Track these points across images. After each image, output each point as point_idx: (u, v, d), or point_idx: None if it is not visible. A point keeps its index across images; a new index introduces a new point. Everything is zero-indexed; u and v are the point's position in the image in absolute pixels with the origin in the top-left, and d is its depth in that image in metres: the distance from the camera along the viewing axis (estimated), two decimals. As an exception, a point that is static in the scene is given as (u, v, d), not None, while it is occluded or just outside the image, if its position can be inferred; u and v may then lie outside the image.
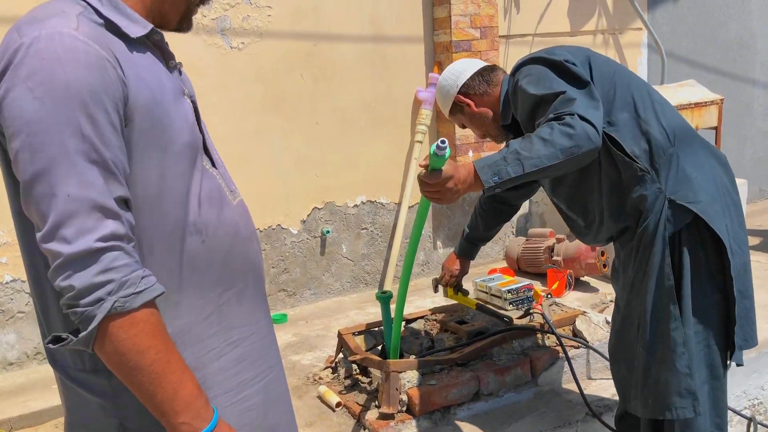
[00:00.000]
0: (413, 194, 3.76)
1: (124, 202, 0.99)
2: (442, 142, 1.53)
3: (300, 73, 3.44)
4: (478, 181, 1.62)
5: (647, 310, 1.77)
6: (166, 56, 1.14)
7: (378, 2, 3.61)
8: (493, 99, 2.03)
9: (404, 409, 2.32)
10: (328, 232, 3.60)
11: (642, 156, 1.77)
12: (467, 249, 2.54)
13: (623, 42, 4.53)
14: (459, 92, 2.06)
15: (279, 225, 3.51)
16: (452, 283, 2.56)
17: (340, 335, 2.68)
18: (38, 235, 0.95)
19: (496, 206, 2.41)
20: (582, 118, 1.65)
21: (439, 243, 4.00)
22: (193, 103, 1.18)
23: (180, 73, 1.18)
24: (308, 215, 3.57)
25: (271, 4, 3.30)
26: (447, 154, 1.55)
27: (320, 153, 3.56)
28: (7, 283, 2.95)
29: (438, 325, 2.77)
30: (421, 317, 2.84)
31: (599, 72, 1.84)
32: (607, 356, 2.58)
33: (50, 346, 1.02)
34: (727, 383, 1.86)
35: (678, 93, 4.05)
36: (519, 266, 3.90)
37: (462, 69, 2.08)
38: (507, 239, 4.19)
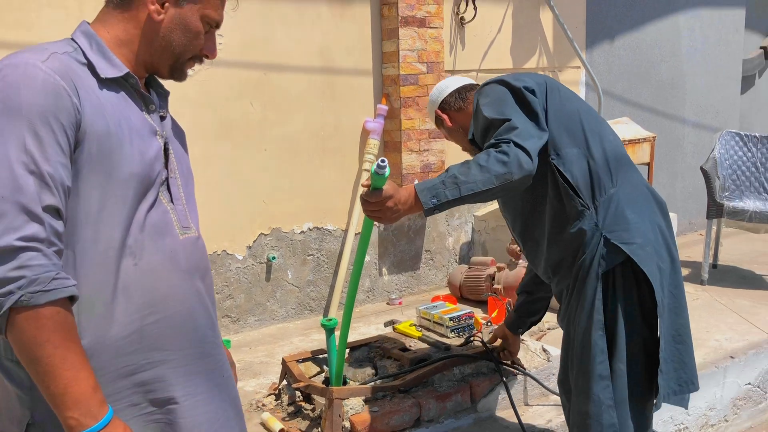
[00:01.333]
0: (360, 221, 3.83)
1: (56, 211, 1.12)
2: (382, 161, 1.62)
3: (249, 100, 3.48)
4: (418, 203, 1.72)
5: (578, 343, 1.87)
6: (145, 99, 1.31)
7: (328, 34, 3.69)
8: (467, 115, 2.14)
9: (348, 437, 2.36)
10: (273, 258, 3.63)
11: (585, 192, 1.87)
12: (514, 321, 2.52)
13: (563, 79, 4.73)
14: (438, 107, 2.21)
15: (224, 251, 3.51)
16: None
17: (284, 362, 2.70)
18: None
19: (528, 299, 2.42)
20: (517, 146, 1.76)
21: (384, 269, 4.07)
22: (166, 144, 1.32)
23: (162, 118, 1.36)
24: (254, 241, 3.59)
25: (222, 33, 3.34)
26: (387, 174, 1.65)
27: (268, 180, 3.59)
28: None
29: (381, 352, 2.82)
30: (365, 344, 2.89)
31: (556, 103, 1.94)
32: (542, 383, 2.69)
33: None
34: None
35: (613, 129, 4.25)
36: (461, 294, 3.99)
37: (445, 86, 2.22)
38: (450, 267, 4.29)
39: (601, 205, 1.86)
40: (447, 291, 4.11)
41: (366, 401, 2.45)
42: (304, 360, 2.75)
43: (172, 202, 1.32)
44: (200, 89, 3.31)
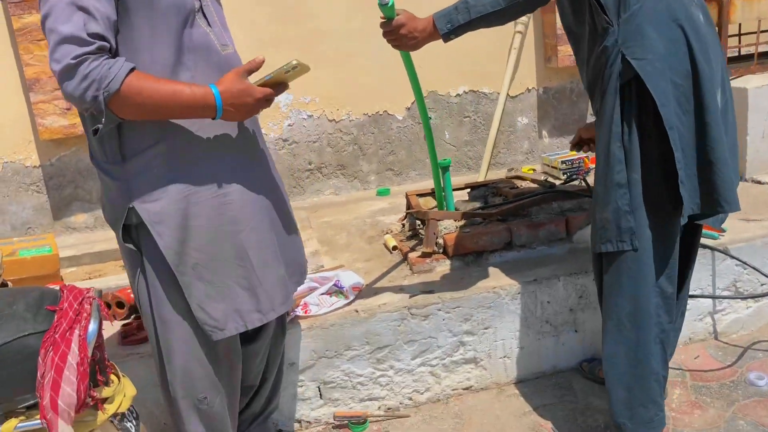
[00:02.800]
0: (513, 84, 4.00)
1: (100, 37, 1.45)
2: None
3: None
4: (436, 30, 1.96)
5: (601, 155, 1.98)
6: None
7: None
8: None
9: (440, 251, 2.73)
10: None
11: (612, 9, 1.93)
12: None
13: None
14: None
15: (386, 111, 3.97)
16: None
17: (407, 196, 3.12)
18: None
19: None
20: None
21: (544, 132, 4.19)
22: None
23: None
24: (412, 103, 3.98)
25: None
26: (391, 3, 1.92)
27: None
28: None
29: (495, 191, 3.08)
30: (484, 185, 3.17)
31: None
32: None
33: (93, 137, 1.60)
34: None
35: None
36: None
37: None
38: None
39: (623, 22, 1.89)
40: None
41: (463, 226, 2.77)
42: (424, 195, 3.13)
43: (209, 25, 1.65)
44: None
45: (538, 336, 2.57)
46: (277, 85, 1.63)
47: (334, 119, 3.92)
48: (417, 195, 3.11)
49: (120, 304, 2.42)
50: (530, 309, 2.53)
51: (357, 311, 2.42)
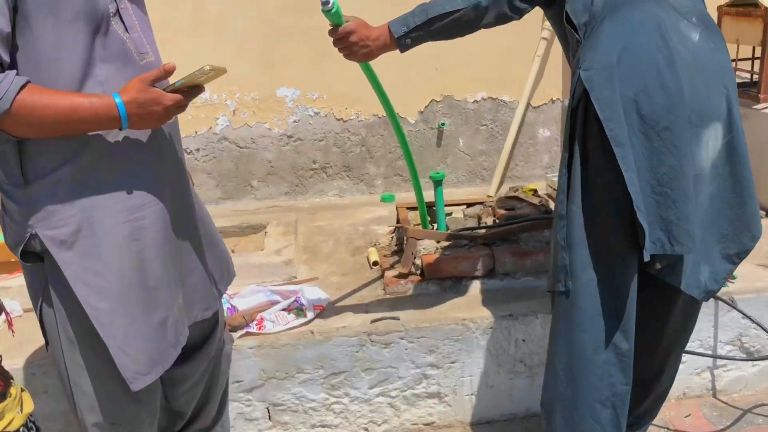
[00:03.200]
0: (535, 93, 3.75)
1: None
2: None
3: (426, -33, 3.58)
4: (392, 35, 1.78)
5: None
6: None
7: None
8: None
9: (418, 272, 2.54)
10: (443, 124, 3.78)
11: (581, 28, 1.71)
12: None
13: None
14: None
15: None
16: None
17: (397, 208, 2.94)
18: None
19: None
20: None
21: (567, 148, 3.92)
22: None
23: None
24: (426, 107, 3.78)
25: None
26: (335, 8, 1.73)
27: (440, 46, 3.69)
28: (169, 139, 3.70)
29: (491, 210, 2.87)
30: (480, 203, 2.96)
31: None
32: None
33: None
34: None
35: None
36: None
37: None
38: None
39: (586, 36, 1.68)
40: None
41: (446, 248, 2.58)
42: (415, 208, 2.94)
43: (127, 31, 1.47)
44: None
45: (510, 375, 2.37)
46: (192, 88, 1.48)
47: (342, 118, 3.76)
48: (409, 208, 2.93)
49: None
50: (503, 346, 2.33)
51: (312, 332, 2.27)
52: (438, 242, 2.59)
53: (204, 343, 1.85)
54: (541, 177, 3.93)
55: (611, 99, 1.58)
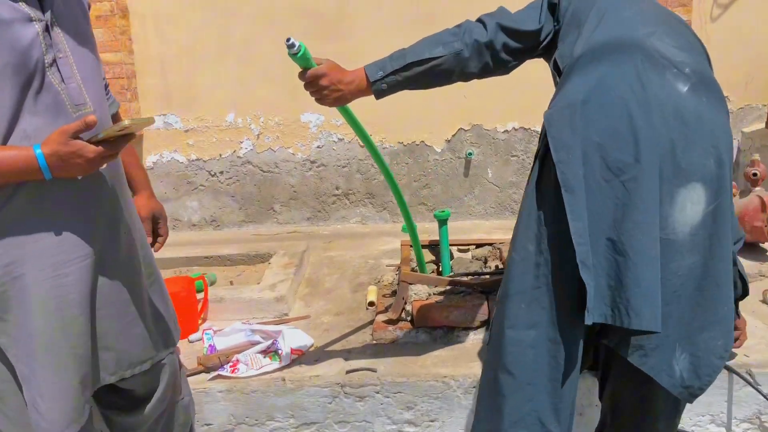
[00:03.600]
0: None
1: None
2: (287, 40, 1.60)
3: (456, -10, 3.44)
4: (367, 80, 1.67)
5: None
6: None
7: None
8: None
9: (408, 318, 2.41)
10: (471, 154, 3.62)
11: (562, 76, 1.58)
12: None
13: None
14: None
15: (423, 142, 3.65)
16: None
17: (401, 245, 2.81)
18: None
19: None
20: (478, 20, 1.69)
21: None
22: (48, 28, 1.39)
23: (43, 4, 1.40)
24: (453, 135, 3.63)
25: None
26: (302, 51, 1.62)
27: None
28: (193, 161, 3.72)
29: (498, 253, 2.70)
30: (490, 244, 2.79)
31: None
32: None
33: None
34: None
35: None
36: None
37: None
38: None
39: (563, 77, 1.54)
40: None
41: (441, 293, 2.43)
42: (426, 246, 2.81)
43: (63, 82, 1.41)
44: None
45: (495, 439, 2.19)
46: (121, 137, 1.42)
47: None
48: (410, 246, 2.79)
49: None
50: (487, 407, 2.16)
51: (284, 380, 2.17)
52: (432, 287, 2.44)
53: (150, 394, 1.79)
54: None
55: (569, 140, 1.41)
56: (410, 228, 2.42)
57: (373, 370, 2.18)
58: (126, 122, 1.37)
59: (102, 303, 1.55)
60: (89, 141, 1.38)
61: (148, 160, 3.72)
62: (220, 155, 3.69)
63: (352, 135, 3.65)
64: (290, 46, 1.62)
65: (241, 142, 3.67)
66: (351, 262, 3.15)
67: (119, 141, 1.43)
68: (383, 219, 3.77)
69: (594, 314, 1.40)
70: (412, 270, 2.54)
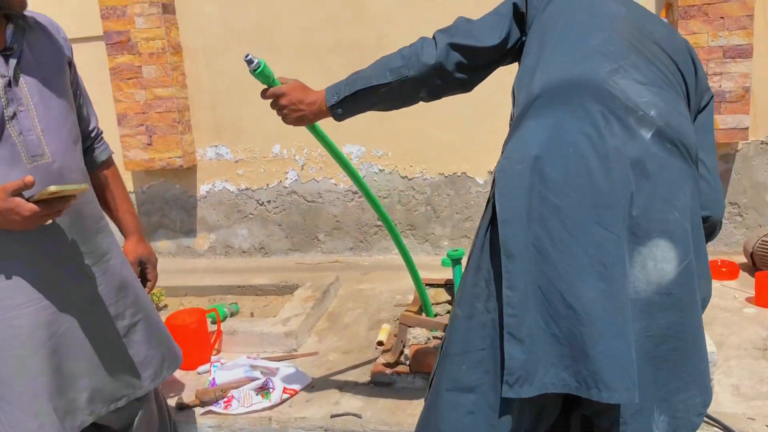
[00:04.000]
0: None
1: None
2: (246, 56, 1.61)
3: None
4: (325, 102, 1.65)
5: None
6: None
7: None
8: None
9: (407, 362, 2.35)
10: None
11: (518, 105, 1.46)
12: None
13: None
14: None
15: (464, 173, 3.56)
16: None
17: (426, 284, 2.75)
18: None
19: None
20: (432, 37, 1.56)
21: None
22: (10, 82, 1.47)
23: (9, 54, 1.48)
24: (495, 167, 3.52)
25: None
26: (261, 68, 1.62)
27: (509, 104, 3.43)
28: (242, 190, 3.84)
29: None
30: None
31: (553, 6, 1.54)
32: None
33: None
34: None
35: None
36: (754, 263, 3.09)
37: None
38: (746, 228, 3.32)
39: (519, 118, 1.42)
40: (731, 257, 3.24)
41: (440, 338, 2.35)
42: (439, 286, 2.73)
43: (22, 134, 1.47)
44: (441, 11, 3.36)
45: (483, 497, 2.08)
46: (58, 199, 1.48)
47: (406, 176, 3.63)
48: (429, 285, 2.73)
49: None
50: (473, 463, 2.05)
51: (270, 419, 2.18)
52: (430, 330, 2.37)
53: (127, 428, 1.85)
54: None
55: (517, 199, 1.32)
56: (408, 264, 2.35)
57: (358, 416, 2.14)
58: (52, 188, 1.41)
59: (65, 345, 1.61)
60: (28, 199, 1.45)
61: (202, 189, 3.88)
62: (267, 185, 3.78)
63: (393, 166, 3.63)
64: (249, 62, 1.63)
65: (287, 173, 3.75)
66: (379, 296, 3.12)
67: (55, 203, 1.47)
68: (425, 251, 3.71)
69: (535, 387, 1.29)
70: (418, 312, 2.48)
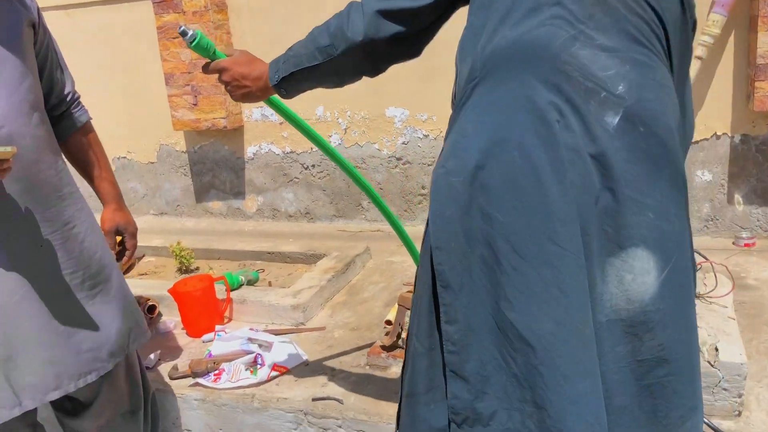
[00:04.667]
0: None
1: None
2: (179, 27, 1.48)
3: None
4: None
5: None
6: None
7: None
8: None
9: (404, 346, 2.19)
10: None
11: (461, 82, 1.23)
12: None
13: None
14: None
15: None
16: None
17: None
18: None
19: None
20: (360, 4, 1.33)
21: (738, 196, 3.01)
22: None
23: None
24: (548, 134, 3.21)
25: None
26: (197, 40, 1.47)
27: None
28: (287, 153, 3.75)
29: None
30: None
31: None
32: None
33: None
34: None
35: None
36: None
37: None
38: None
39: (461, 103, 1.20)
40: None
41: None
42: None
43: None
44: None
45: (466, 500, 1.91)
46: None
47: (452, 142, 3.40)
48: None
49: (151, 308, 2.54)
50: (455, 464, 1.88)
51: (253, 397, 2.10)
52: (434, 315, 2.19)
53: (92, 400, 1.82)
54: (701, 230, 3.08)
55: (454, 221, 1.14)
56: (399, 233, 2.12)
57: (340, 401, 2.01)
58: None
59: (20, 315, 1.59)
60: None
61: (249, 151, 3.83)
62: (312, 148, 3.67)
63: (438, 131, 3.40)
64: (182, 34, 1.49)
65: (330, 136, 3.62)
66: (407, 270, 2.96)
67: None
68: (472, 223, 3.48)
69: (493, 429, 1.14)
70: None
